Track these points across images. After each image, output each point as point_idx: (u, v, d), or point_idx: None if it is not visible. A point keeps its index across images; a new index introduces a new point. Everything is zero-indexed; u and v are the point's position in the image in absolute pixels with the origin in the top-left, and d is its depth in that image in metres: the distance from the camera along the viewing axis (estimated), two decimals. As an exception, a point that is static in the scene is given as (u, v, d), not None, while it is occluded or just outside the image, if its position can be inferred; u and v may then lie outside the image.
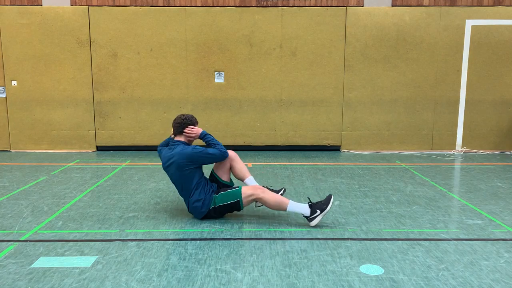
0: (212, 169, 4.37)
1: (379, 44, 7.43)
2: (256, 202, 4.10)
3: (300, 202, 4.44)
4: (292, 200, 4.18)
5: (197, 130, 4.17)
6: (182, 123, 4.14)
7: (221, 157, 4.11)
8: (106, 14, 7.35)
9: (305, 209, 3.90)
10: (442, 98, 7.59)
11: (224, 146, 4.23)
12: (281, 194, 4.24)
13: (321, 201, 3.95)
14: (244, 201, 3.96)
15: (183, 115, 4.21)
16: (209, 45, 7.44)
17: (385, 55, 7.46)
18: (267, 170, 6.24)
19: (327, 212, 3.89)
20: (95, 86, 7.53)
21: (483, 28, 7.38)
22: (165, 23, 7.39)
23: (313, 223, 3.90)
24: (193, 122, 4.18)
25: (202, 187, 4.03)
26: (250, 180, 4.28)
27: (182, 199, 4.31)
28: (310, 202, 3.96)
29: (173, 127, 4.20)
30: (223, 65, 7.49)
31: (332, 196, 3.96)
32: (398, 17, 7.37)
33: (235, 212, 4.31)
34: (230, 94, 7.58)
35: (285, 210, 3.92)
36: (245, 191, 3.97)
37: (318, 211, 3.87)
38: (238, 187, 4.04)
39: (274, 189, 4.30)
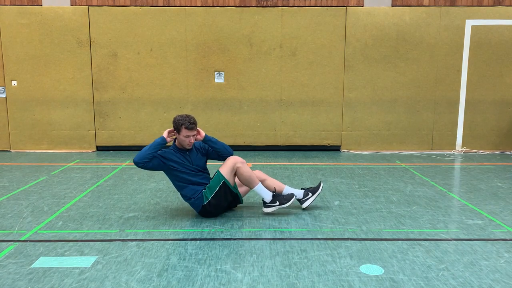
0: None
1: (379, 44, 7.43)
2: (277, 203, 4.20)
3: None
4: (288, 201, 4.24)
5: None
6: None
7: (135, 159, 3.95)
8: (106, 14, 7.35)
9: (267, 196, 4.13)
10: (442, 98, 7.58)
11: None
12: (319, 188, 4.41)
13: (283, 196, 4.20)
14: (229, 178, 4.02)
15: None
16: (209, 45, 7.44)
17: (385, 55, 7.46)
18: (267, 170, 6.23)
19: (283, 207, 4.17)
20: (95, 86, 7.53)
21: (483, 28, 7.38)
22: (165, 23, 7.38)
23: (266, 210, 4.18)
24: (176, 126, 4.00)
25: (191, 183, 4.08)
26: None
27: (183, 199, 4.31)
28: (275, 192, 4.18)
29: None
30: (223, 65, 7.49)
31: (294, 196, 4.21)
32: (398, 17, 7.37)
33: (235, 211, 4.32)
34: (230, 94, 7.57)
35: (252, 188, 4.14)
36: (225, 169, 4.04)
37: (277, 202, 4.14)
38: (216, 171, 4.10)
39: (311, 186, 4.50)
